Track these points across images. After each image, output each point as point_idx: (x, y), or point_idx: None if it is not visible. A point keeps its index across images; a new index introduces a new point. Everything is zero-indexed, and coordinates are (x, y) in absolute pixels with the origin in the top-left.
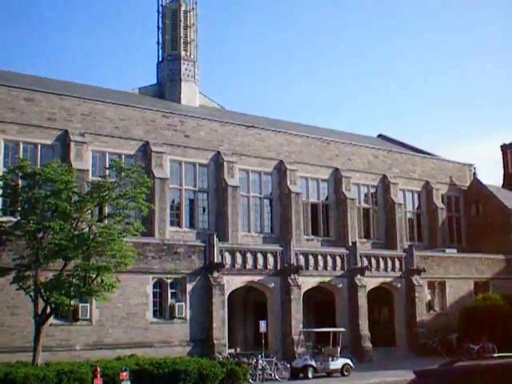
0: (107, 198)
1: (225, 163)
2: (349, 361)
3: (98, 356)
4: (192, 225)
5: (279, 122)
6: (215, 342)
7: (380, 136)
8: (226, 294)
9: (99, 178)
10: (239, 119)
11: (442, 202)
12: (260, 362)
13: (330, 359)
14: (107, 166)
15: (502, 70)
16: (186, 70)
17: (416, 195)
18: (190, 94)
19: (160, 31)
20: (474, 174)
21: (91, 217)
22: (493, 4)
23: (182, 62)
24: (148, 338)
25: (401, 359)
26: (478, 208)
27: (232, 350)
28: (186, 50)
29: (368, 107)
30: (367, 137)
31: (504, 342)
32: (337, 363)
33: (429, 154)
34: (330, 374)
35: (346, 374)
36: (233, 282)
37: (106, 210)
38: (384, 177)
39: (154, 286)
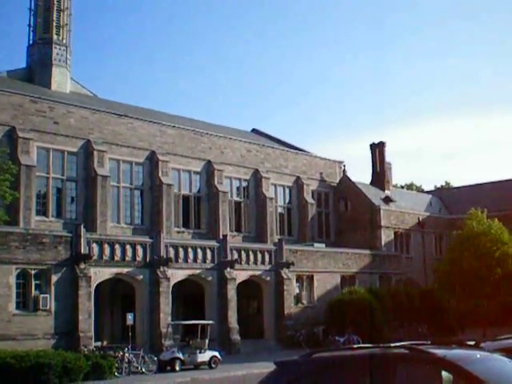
0: None
1: (95, 152)
2: (217, 353)
3: None
4: (59, 214)
5: (153, 113)
6: (81, 334)
7: (254, 130)
8: (93, 285)
9: None
10: (111, 107)
11: (313, 197)
12: (126, 355)
13: (198, 352)
14: None
15: (371, 73)
16: (57, 54)
17: (287, 190)
18: (61, 80)
19: (32, 13)
20: (344, 170)
21: None
22: None
23: (53, 46)
24: (10, 330)
25: (269, 351)
26: (346, 204)
27: (99, 343)
28: (58, 34)
29: (243, 102)
30: (241, 131)
31: (369, 334)
32: (204, 356)
33: (301, 150)
34: (197, 366)
35: (213, 366)
36: (100, 274)
37: None
38: (256, 171)
39: (18, 277)
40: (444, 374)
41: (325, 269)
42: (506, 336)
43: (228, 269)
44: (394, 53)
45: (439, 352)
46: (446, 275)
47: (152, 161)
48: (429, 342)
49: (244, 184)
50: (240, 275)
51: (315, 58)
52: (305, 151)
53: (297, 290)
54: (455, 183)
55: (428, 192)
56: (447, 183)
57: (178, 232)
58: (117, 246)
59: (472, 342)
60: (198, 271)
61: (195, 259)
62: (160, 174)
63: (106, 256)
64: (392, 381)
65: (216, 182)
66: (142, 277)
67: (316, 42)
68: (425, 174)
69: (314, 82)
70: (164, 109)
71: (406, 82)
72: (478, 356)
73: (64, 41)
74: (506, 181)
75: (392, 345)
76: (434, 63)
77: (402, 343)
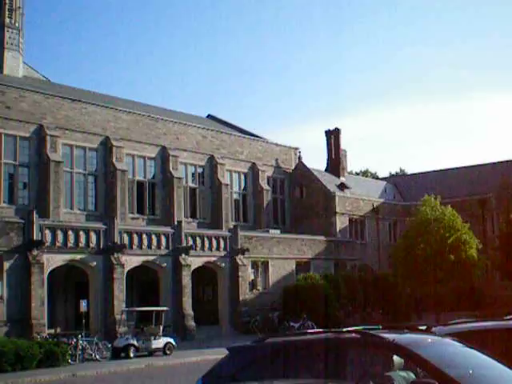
0: None
1: (48, 137)
2: (171, 340)
3: None
4: (11, 200)
5: (107, 97)
6: (34, 322)
7: (209, 116)
8: (46, 272)
9: None
10: (65, 92)
11: (268, 183)
12: (80, 342)
13: (152, 338)
14: None
15: (327, 60)
16: (9, 38)
17: (243, 176)
18: (13, 64)
19: None
20: (299, 157)
21: None
22: None
23: (5, 29)
24: None
25: (224, 337)
26: (302, 191)
27: (52, 331)
28: (10, 18)
29: (198, 88)
30: (196, 117)
31: (323, 320)
32: (159, 342)
33: (256, 136)
34: (152, 353)
35: (168, 352)
36: (53, 261)
37: None
38: (212, 157)
39: None
40: (396, 358)
41: (280, 255)
42: (456, 321)
43: (183, 255)
44: (350, 40)
45: (390, 336)
46: (400, 261)
47: (106, 146)
48: (380, 327)
49: (199, 170)
50: (195, 261)
51: (272, 44)
52: (260, 137)
53: (252, 276)
54: (410, 170)
55: (383, 179)
56: (402, 170)
57: (133, 218)
58: (70, 233)
59: (423, 327)
60: (152, 258)
61: (150, 245)
62: (114, 160)
63: (59, 242)
64: (344, 365)
65: (171, 168)
66: (95, 263)
67: (272, 28)
68: (380, 161)
69: (270, 68)
70: (119, 94)
71: (362, 69)
72: (429, 340)
73: (16, 24)
74: (460, 168)
75: (344, 330)
76: (391, 50)
77: (354, 328)
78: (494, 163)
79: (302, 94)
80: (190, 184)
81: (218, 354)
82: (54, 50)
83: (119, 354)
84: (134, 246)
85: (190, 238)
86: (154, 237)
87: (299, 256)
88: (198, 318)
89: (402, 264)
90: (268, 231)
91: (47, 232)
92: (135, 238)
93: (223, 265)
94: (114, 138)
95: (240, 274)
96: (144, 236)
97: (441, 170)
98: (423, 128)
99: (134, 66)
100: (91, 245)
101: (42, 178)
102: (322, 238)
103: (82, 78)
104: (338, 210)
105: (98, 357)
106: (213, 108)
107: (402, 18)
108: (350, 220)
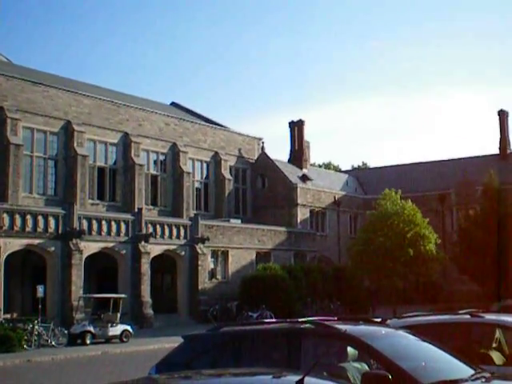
0: None
1: (8, 120)
2: (128, 327)
3: None
4: None
5: (70, 82)
6: None
7: (173, 104)
8: (3, 257)
9: None
10: (27, 75)
11: (230, 173)
12: (36, 327)
13: (109, 325)
14: None
15: (292, 52)
16: None
17: (205, 165)
18: None
19: None
20: (262, 147)
21: None
22: None
23: None
24: None
25: (182, 326)
26: (264, 181)
27: (8, 315)
28: None
29: (163, 74)
30: (160, 104)
31: (282, 310)
32: (116, 329)
33: (220, 125)
34: (109, 340)
35: (125, 340)
36: (10, 245)
37: None
38: (174, 145)
39: None
40: (350, 349)
41: (240, 245)
42: (411, 314)
43: (142, 242)
44: (316, 32)
45: (344, 327)
46: (359, 254)
47: (67, 131)
48: (335, 318)
49: (161, 158)
50: (154, 249)
51: (237, 34)
52: (224, 126)
53: (211, 266)
54: (372, 164)
55: (345, 172)
56: (364, 164)
57: (93, 204)
58: (28, 217)
59: (379, 319)
60: (111, 244)
61: (109, 232)
62: (75, 145)
63: (17, 227)
64: (298, 355)
65: (133, 155)
66: (53, 249)
67: (239, 17)
68: (343, 154)
69: (237, 58)
70: (82, 78)
71: (327, 62)
72: (383, 332)
73: None
74: (421, 163)
75: (299, 320)
76: (356, 45)
77: (309, 318)
78: (456, 159)
79: (268, 85)
80: (152, 171)
81: (174, 342)
82: (17, 32)
83: (76, 340)
84: (94, 232)
85: (150, 226)
86: (113, 223)
87: (259, 246)
88: (157, 306)
89: (360, 256)
90: (229, 221)
91: (5, 216)
92: (94, 224)
93: (183, 253)
94: (75, 123)
95: (199, 262)
96: (103, 222)
97: (403, 165)
98: (387, 122)
99: (98, 50)
100: (50, 230)
101: (1, 161)
102: (283, 228)
103: (45, 61)
104: (299, 201)
105: (54, 343)
106: (177, 96)
107: (369, 10)
108: (311, 212)
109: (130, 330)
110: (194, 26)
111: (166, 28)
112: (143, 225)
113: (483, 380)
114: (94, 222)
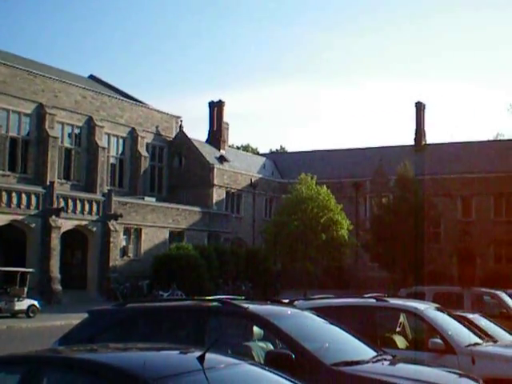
0: None
1: None
2: (36, 302)
3: None
4: None
5: None
6: None
7: (91, 77)
8: None
9: None
10: None
11: (147, 150)
12: None
13: (16, 300)
14: None
15: (213, 33)
16: None
17: (121, 141)
18: None
19: None
20: (181, 126)
21: None
22: None
23: None
24: None
25: (91, 302)
26: (181, 160)
27: None
28: None
29: (82, 46)
30: (78, 76)
31: (193, 290)
32: (22, 304)
33: (138, 101)
34: (15, 314)
35: (31, 315)
36: None
37: None
38: (90, 118)
39: None
40: (256, 328)
41: (154, 223)
42: (318, 296)
43: (53, 217)
44: (238, 14)
45: (250, 307)
46: (273, 237)
47: None
48: (242, 298)
49: (76, 131)
50: (66, 224)
51: (160, 11)
52: (142, 103)
53: (124, 243)
54: (290, 148)
55: (263, 155)
56: (282, 148)
57: (3, 175)
58: None
59: (286, 300)
60: (20, 217)
61: (19, 204)
62: None
63: None
64: (204, 333)
65: (47, 127)
66: None
67: None
68: (262, 137)
69: (159, 35)
70: None
71: (251, 45)
72: (289, 313)
73: None
74: (339, 150)
75: (206, 298)
76: (279, 30)
77: (216, 297)
78: (372, 148)
79: (190, 65)
80: (66, 144)
81: (82, 318)
82: None
83: None
84: (3, 204)
85: (61, 200)
86: (24, 196)
87: (173, 226)
88: (66, 282)
89: (273, 240)
90: (143, 198)
91: None
92: (4, 195)
93: (95, 229)
94: None
95: (111, 239)
96: (13, 194)
97: (320, 151)
98: (308, 109)
99: (16, 19)
100: None
101: None
102: (198, 209)
103: None
104: (215, 182)
105: None
106: (97, 70)
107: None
108: (227, 193)
109: (37, 305)
110: (118, 2)
111: (90, 1)
112: (55, 199)
113: (384, 362)
114: (4, 193)
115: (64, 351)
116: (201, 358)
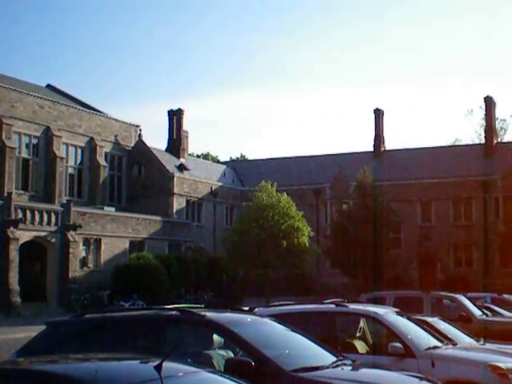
0: None
1: None
2: None
3: None
4: None
5: None
6: None
7: (49, 86)
8: None
9: None
10: None
11: (106, 159)
12: None
13: None
14: None
15: (172, 41)
16: None
17: (80, 150)
18: None
19: None
20: (140, 135)
21: None
22: None
23: None
24: None
25: (51, 314)
26: (140, 169)
27: None
28: None
29: (38, 55)
30: (35, 85)
31: (155, 300)
32: None
33: (96, 110)
34: None
35: None
36: None
37: None
38: (48, 128)
39: None
40: (216, 337)
41: (113, 233)
42: (278, 303)
43: (11, 228)
44: (197, 22)
45: (209, 315)
46: (234, 245)
47: None
48: (202, 306)
49: (34, 141)
50: (24, 235)
51: (116, 19)
52: (100, 112)
53: (83, 254)
54: (250, 156)
55: (223, 163)
56: (242, 156)
57: None
58: None
59: (247, 308)
60: None
61: None
62: None
63: None
64: (163, 342)
65: (4, 137)
66: None
67: (124, 4)
68: (222, 145)
69: (117, 45)
70: None
71: (210, 52)
72: (249, 320)
73: None
74: (298, 157)
75: (165, 307)
76: (236, 37)
77: (175, 306)
78: (332, 155)
79: (150, 74)
80: (24, 155)
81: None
82: None
83: None
84: None
85: (19, 211)
86: None
87: (133, 235)
88: (25, 294)
89: (235, 248)
90: (102, 208)
91: None
92: None
93: (54, 240)
94: None
95: (71, 250)
96: None
97: (280, 158)
98: (268, 116)
99: None
100: None
101: None
102: (158, 218)
103: None
104: (175, 190)
105: None
106: (55, 79)
107: (252, 2)
108: (188, 201)
109: None
110: (76, 10)
111: (46, 9)
112: (13, 210)
113: (343, 367)
114: None
115: (21, 363)
116: (158, 367)
